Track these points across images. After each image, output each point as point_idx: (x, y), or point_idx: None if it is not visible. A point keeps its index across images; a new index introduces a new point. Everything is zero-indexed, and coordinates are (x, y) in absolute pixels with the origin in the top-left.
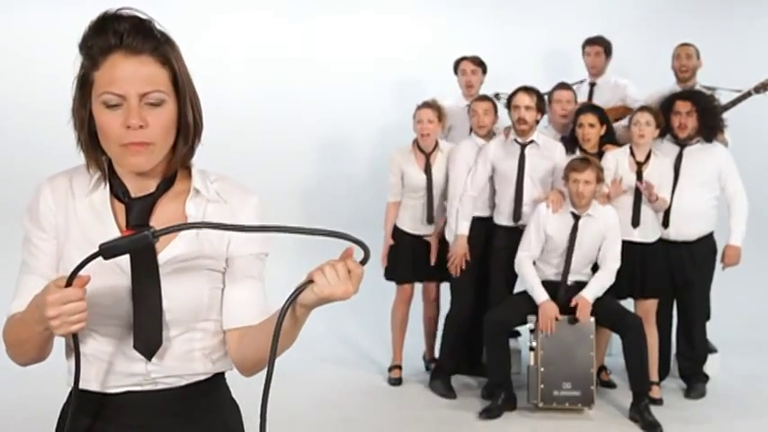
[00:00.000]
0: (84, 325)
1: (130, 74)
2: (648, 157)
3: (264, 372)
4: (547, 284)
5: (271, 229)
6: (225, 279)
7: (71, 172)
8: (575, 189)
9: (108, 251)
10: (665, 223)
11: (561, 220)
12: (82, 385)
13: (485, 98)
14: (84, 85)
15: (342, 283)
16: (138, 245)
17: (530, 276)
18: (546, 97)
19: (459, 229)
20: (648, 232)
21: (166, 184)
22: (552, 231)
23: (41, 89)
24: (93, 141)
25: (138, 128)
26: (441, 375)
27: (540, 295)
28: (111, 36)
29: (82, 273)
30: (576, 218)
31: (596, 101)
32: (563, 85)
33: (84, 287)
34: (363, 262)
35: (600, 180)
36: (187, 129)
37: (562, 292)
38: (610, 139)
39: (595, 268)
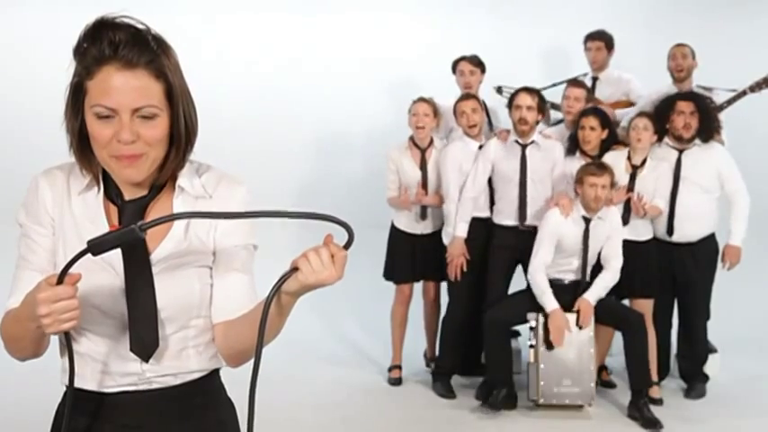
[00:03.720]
0: (77, 323)
1: (124, 87)
2: (644, 161)
3: (252, 362)
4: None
5: (254, 214)
6: (212, 273)
7: (67, 167)
8: (593, 193)
9: (96, 247)
10: (670, 231)
11: (572, 224)
12: (78, 383)
13: (470, 96)
14: (78, 93)
15: (326, 269)
16: (126, 239)
17: (543, 285)
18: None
19: (457, 230)
20: (640, 230)
21: (159, 188)
22: (563, 235)
23: (41, 89)
24: (84, 146)
25: (129, 142)
26: (440, 376)
27: (550, 304)
28: (106, 46)
29: (73, 271)
30: (587, 221)
31: (599, 95)
32: (573, 82)
33: (75, 284)
34: (347, 245)
35: (613, 185)
36: (179, 140)
37: (581, 291)
38: (613, 141)
39: (595, 268)
